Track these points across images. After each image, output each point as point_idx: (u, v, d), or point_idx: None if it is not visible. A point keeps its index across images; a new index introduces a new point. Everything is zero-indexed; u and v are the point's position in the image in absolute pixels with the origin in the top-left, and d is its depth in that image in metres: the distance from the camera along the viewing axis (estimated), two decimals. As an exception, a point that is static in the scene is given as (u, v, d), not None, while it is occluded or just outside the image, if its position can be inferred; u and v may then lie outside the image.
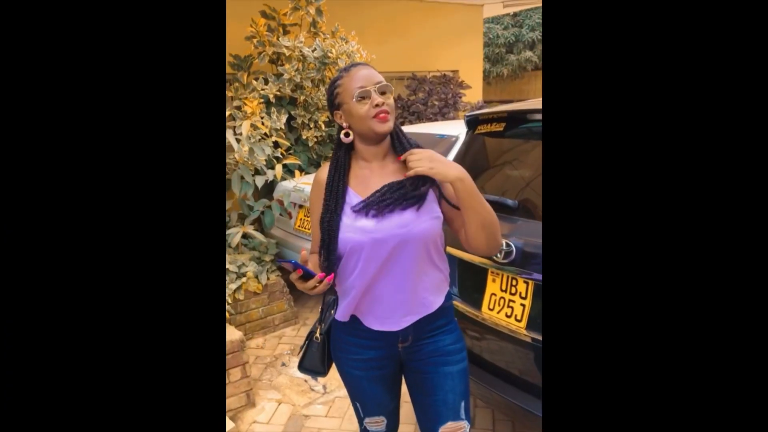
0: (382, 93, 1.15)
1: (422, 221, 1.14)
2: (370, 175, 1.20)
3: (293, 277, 1.08)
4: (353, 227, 1.15)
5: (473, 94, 6.48)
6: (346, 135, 1.20)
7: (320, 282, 1.09)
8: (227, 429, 2.18)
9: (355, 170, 1.22)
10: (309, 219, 3.39)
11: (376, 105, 1.13)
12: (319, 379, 2.65)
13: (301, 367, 1.38)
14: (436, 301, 1.23)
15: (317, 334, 1.35)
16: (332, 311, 1.33)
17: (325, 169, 1.24)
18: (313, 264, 1.24)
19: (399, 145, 1.21)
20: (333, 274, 1.14)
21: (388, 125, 1.15)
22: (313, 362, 1.36)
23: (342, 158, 1.21)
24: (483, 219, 1.13)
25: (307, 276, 1.08)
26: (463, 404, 1.26)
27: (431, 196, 1.19)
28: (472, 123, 2.11)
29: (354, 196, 1.19)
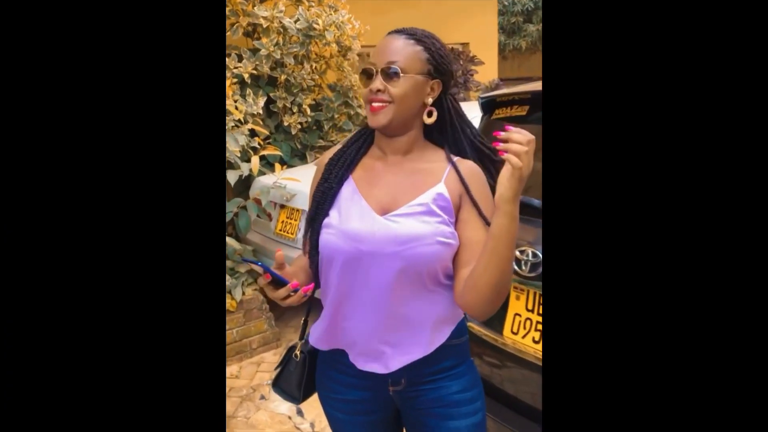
0: (388, 76, 1.02)
1: (426, 243, 1.01)
2: (382, 170, 1.10)
3: (261, 282, 1.02)
4: (337, 229, 1.04)
5: (487, 71, 6.23)
6: None
7: (295, 292, 1.00)
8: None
9: (365, 160, 1.12)
10: (292, 221, 3.21)
11: (370, 90, 1.04)
12: (306, 414, 2.43)
13: (276, 386, 1.28)
14: (437, 339, 1.09)
15: (297, 351, 1.24)
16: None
17: (335, 149, 1.17)
18: (296, 266, 1.15)
19: (451, 144, 1.10)
20: (312, 285, 1.06)
21: (380, 119, 1.03)
22: (289, 384, 1.24)
23: (362, 136, 1.15)
24: (505, 270, 0.95)
25: (278, 283, 0.99)
26: None
27: (449, 209, 1.04)
28: (489, 106, 1.99)
29: (352, 188, 1.08)
